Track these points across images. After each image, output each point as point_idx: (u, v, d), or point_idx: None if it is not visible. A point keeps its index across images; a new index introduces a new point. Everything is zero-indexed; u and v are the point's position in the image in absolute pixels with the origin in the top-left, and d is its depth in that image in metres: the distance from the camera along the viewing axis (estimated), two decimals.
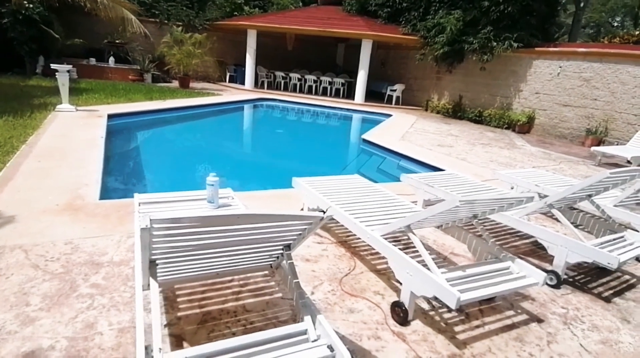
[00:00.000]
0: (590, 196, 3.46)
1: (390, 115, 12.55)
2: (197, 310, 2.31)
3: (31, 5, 11.55)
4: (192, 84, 14.78)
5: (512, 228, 3.92)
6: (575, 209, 4.06)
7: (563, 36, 20.99)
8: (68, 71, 7.45)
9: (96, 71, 13.78)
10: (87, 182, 4.09)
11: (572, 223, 3.82)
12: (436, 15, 13.40)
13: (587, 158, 8.44)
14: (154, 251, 1.56)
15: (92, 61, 14.12)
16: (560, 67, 11.03)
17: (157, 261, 1.68)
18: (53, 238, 2.91)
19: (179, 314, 2.25)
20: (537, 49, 11.61)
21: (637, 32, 14.09)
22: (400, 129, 9.95)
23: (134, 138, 8.00)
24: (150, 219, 1.27)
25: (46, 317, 2.10)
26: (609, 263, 2.79)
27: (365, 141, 8.48)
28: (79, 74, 12.76)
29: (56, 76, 7.35)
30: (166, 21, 16.25)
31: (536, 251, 3.59)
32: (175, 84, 14.73)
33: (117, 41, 14.89)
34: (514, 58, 12.01)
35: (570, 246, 2.95)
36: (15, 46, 11.73)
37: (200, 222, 1.43)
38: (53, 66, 7.32)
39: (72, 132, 6.10)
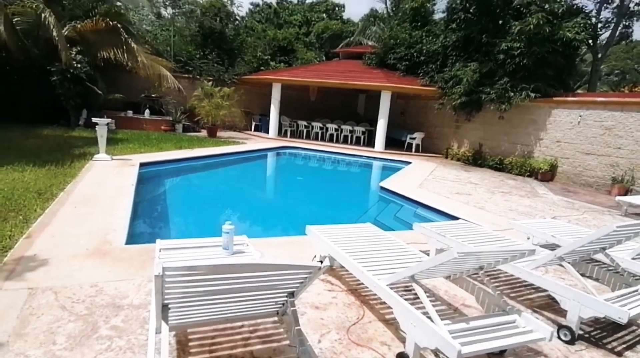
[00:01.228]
0: (604, 248, 3.43)
1: (409, 162, 12.72)
2: (207, 355, 2.41)
3: (79, 65, 12.78)
4: (220, 133, 15.57)
5: (527, 281, 3.87)
6: (594, 261, 3.99)
7: (585, 84, 21.07)
8: (107, 124, 8.12)
9: (132, 122, 14.81)
10: (116, 228, 4.38)
11: (588, 277, 3.76)
12: (453, 68, 13.90)
13: (613, 208, 8.22)
14: (166, 296, 1.73)
15: (130, 113, 15.22)
16: (581, 116, 11.05)
17: (170, 306, 1.84)
18: (80, 281, 3.13)
19: None
20: (555, 98, 11.75)
21: None
22: (419, 176, 10.06)
23: (162, 184, 8.46)
24: (163, 267, 1.45)
25: (69, 357, 2.26)
26: (619, 318, 2.74)
27: (383, 188, 8.61)
28: (117, 125, 13.75)
29: (96, 128, 8.02)
30: (198, 76, 17.50)
31: (552, 305, 3.52)
32: (204, 133, 15.57)
33: (152, 95, 16.08)
34: (532, 107, 12.15)
35: (582, 300, 2.92)
36: (62, 101, 12.86)
37: (208, 270, 1.60)
38: (94, 119, 8.02)
39: (106, 180, 6.55)
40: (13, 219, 4.34)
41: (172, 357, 2.36)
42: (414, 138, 15.77)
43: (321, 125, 17.47)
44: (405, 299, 2.63)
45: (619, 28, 14.42)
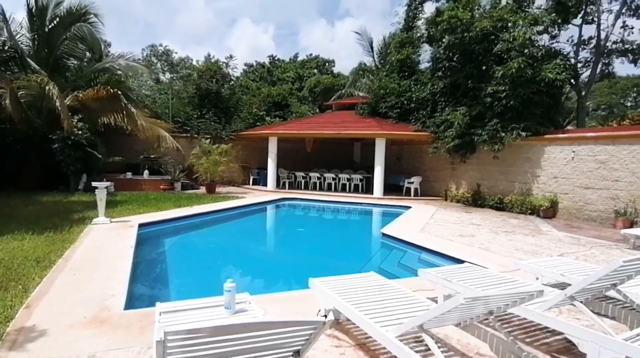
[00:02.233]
0: (615, 285, 3.34)
1: (409, 207, 12.71)
2: None
3: (80, 132, 13.15)
4: (218, 189, 15.69)
5: (541, 324, 3.73)
6: (608, 298, 3.87)
7: (573, 121, 21.64)
8: (106, 187, 8.19)
9: (132, 184, 14.96)
10: (115, 293, 4.27)
11: (604, 315, 3.63)
12: (443, 113, 14.35)
13: (621, 241, 8.12)
14: None
15: (129, 174, 15.42)
16: (574, 151, 11.25)
17: None
18: (78, 352, 3.01)
19: None
20: (546, 136, 12.03)
21: None
22: (420, 220, 10.01)
23: (161, 244, 8.36)
24: (165, 332, 1.40)
25: None
26: None
27: (385, 235, 8.53)
28: (116, 187, 13.88)
29: (95, 192, 8.08)
30: (196, 135, 17.98)
31: (570, 349, 3.36)
32: (202, 190, 15.69)
33: (151, 156, 16.40)
34: (525, 146, 12.39)
35: (600, 341, 2.79)
36: (62, 167, 13.06)
37: (210, 332, 1.55)
38: (94, 183, 8.10)
39: (105, 244, 6.49)
40: (13, 289, 4.28)
41: None
42: (412, 182, 15.89)
43: (319, 175, 17.68)
44: (416, 351, 2.52)
45: (599, 66, 15.09)
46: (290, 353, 2.00)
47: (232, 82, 25.39)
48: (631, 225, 9.35)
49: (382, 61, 22.56)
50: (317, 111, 25.77)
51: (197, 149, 15.83)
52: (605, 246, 7.68)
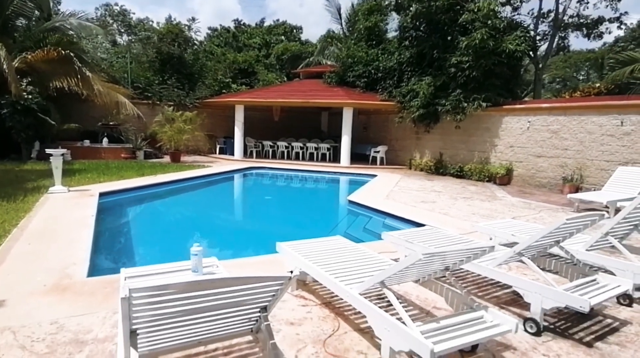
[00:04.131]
0: (558, 242, 3.64)
1: (375, 175, 12.98)
2: None
3: (30, 96, 12.26)
4: (183, 158, 15.30)
5: (493, 279, 4.03)
6: (552, 256, 4.21)
7: (531, 93, 22.51)
8: (62, 154, 7.79)
9: (90, 152, 14.27)
10: (75, 261, 4.17)
11: (548, 270, 3.96)
12: (409, 83, 14.51)
13: (566, 205, 8.73)
14: (134, 321, 1.68)
15: (87, 142, 14.67)
16: (529, 121, 11.77)
17: (138, 331, 1.78)
18: (39, 319, 2.96)
19: None
20: (505, 106, 12.47)
21: (597, 85, 15.31)
22: (385, 188, 10.28)
23: (125, 214, 8.16)
24: (129, 289, 1.42)
25: None
26: (581, 307, 2.90)
27: (351, 202, 8.73)
28: (73, 156, 13.20)
29: (50, 160, 7.67)
30: (158, 102, 17.23)
31: (517, 300, 3.67)
32: (167, 159, 15.24)
33: (110, 123, 15.63)
34: (485, 116, 12.82)
35: (543, 292, 3.07)
36: (12, 134, 12.23)
37: (177, 289, 1.58)
38: (48, 150, 7.68)
39: (63, 213, 6.25)
40: None
41: None
42: (378, 152, 16.16)
43: (286, 144, 17.58)
44: (379, 307, 2.68)
45: (556, 39, 15.63)
46: (258, 310, 2.08)
47: (196, 46, 24.27)
48: (576, 190, 10.04)
49: (350, 29, 22.24)
50: (285, 79, 25.25)
51: (160, 116, 15.22)
52: (553, 210, 8.26)
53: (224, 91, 19.91)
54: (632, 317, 3.45)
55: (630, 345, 2.99)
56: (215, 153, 17.99)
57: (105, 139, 14.96)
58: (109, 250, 5.78)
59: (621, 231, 4.15)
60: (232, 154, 16.96)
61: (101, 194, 7.75)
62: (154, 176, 10.65)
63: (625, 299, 3.65)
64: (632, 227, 4.20)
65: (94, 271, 4.08)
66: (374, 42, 17.40)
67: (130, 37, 32.08)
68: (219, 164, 14.51)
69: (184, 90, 18.18)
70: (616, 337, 3.13)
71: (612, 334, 3.17)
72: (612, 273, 3.75)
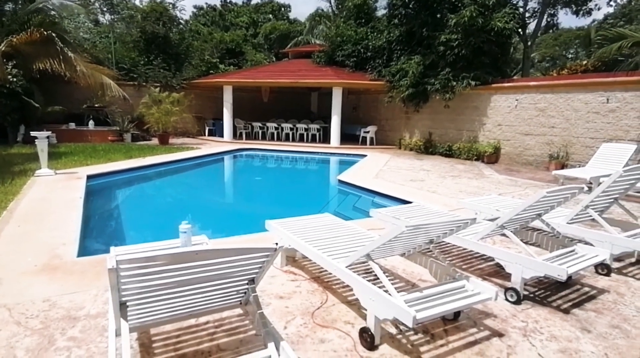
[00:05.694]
0: (539, 215, 3.75)
1: (365, 155, 13.04)
2: (172, 353, 2.40)
3: (14, 79, 11.96)
4: (172, 140, 15.15)
5: (478, 252, 4.15)
6: (535, 229, 4.34)
7: (520, 71, 22.55)
8: (47, 137, 7.68)
9: (76, 135, 14.04)
10: (65, 241, 4.19)
11: (529, 243, 4.09)
12: (398, 61, 14.42)
13: (552, 182, 8.90)
14: (123, 293, 1.73)
15: (72, 125, 14.41)
16: (517, 100, 11.85)
17: (128, 304, 1.83)
18: (32, 297, 3.00)
19: None
20: (493, 85, 12.51)
21: (584, 62, 15.39)
22: (375, 167, 10.36)
23: (114, 196, 8.12)
24: (117, 260, 1.46)
25: None
26: (558, 275, 3.02)
27: (341, 181, 8.80)
28: (59, 139, 13.00)
29: (36, 143, 7.56)
30: (144, 83, 16.90)
31: (499, 272, 3.80)
32: (155, 141, 15.08)
33: (96, 105, 15.33)
34: (474, 95, 12.86)
35: (523, 263, 3.18)
36: None
37: (165, 259, 1.62)
38: (33, 133, 7.56)
39: (51, 196, 6.21)
40: None
41: None
42: (368, 132, 16.17)
43: (276, 125, 17.47)
44: (367, 280, 2.76)
45: (545, 17, 15.59)
46: (246, 281, 2.14)
47: (181, 25, 23.64)
48: (562, 167, 10.23)
49: (339, 7, 21.87)
50: (274, 59, 24.88)
51: (147, 98, 14.95)
52: (538, 187, 8.42)
53: (212, 71, 19.57)
54: (609, 285, 3.59)
55: (607, 312, 3.12)
56: (204, 135, 17.83)
57: (91, 122, 14.71)
58: (99, 231, 5.79)
59: (601, 204, 4.28)
60: (222, 136, 16.82)
61: (89, 177, 7.70)
62: (143, 159, 10.56)
63: (604, 269, 3.79)
64: (611, 200, 4.33)
65: (84, 252, 4.11)
66: (363, 21, 17.16)
67: (112, 16, 31.12)
68: (208, 146, 14.41)
69: (170, 71, 17.83)
70: (593, 304, 3.26)
71: (589, 301, 3.31)
72: (591, 245, 3.89)
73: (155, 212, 7.41)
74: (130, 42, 19.64)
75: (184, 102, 15.02)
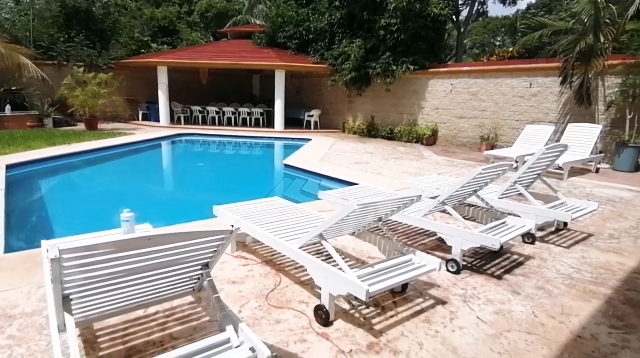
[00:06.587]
0: (475, 191, 4.04)
1: (309, 139, 13.08)
2: (121, 347, 2.29)
3: None
4: (102, 125, 14.06)
5: (421, 228, 4.40)
6: (470, 205, 4.67)
7: (453, 57, 23.76)
8: None
9: None
10: None
11: (467, 217, 4.40)
12: (340, 45, 14.49)
13: (483, 162, 9.58)
14: (66, 285, 1.60)
15: None
16: (452, 84, 12.50)
17: (71, 297, 1.70)
18: None
19: (101, 354, 2.22)
20: (430, 70, 13.07)
21: (510, 49, 16.58)
22: (320, 151, 10.44)
23: (39, 187, 7.41)
24: (59, 250, 1.34)
25: None
26: (492, 245, 3.30)
27: (287, 165, 8.77)
28: None
29: None
30: (65, 62, 15.38)
31: (441, 246, 4.05)
32: (81, 126, 13.89)
33: (12, 88, 13.71)
34: (412, 79, 13.35)
35: (462, 235, 3.43)
36: None
37: (111, 247, 1.52)
38: None
39: None
40: None
41: (81, 356, 2.20)
42: (312, 115, 16.20)
43: (217, 109, 16.87)
44: (320, 260, 2.80)
45: (476, 5, 16.49)
46: (199, 267, 2.08)
47: None
48: (492, 147, 11.04)
49: None
50: (211, 39, 23.80)
51: (69, 78, 13.60)
52: (472, 166, 9.04)
53: (143, 50, 18.30)
54: (534, 252, 4.00)
55: (533, 275, 3.48)
56: (138, 120, 16.71)
57: (8, 107, 13.17)
58: (25, 225, 5.28)
59: (527, 179, 4.71)
60: (157, 120, 15.90)
61: (8, 167, 6.94)
62: (69, 145, 9.70)
63: (529, 238, 4.20)
64: (535, 176, 4.78)
65: (10, 248, 3.73)
66: (304, 1, 16.94)
67: None
68: (143, 132, 13.57)
69: (95, 49, 16.35)
70: (521, 269, 3.62)
71: (518, 267, 3.66)
72: (519, 217, 4.28)
73: (87, 203, 6.87)
74: (49, 18, 17.66)
75: (112, 84, 13.91)
